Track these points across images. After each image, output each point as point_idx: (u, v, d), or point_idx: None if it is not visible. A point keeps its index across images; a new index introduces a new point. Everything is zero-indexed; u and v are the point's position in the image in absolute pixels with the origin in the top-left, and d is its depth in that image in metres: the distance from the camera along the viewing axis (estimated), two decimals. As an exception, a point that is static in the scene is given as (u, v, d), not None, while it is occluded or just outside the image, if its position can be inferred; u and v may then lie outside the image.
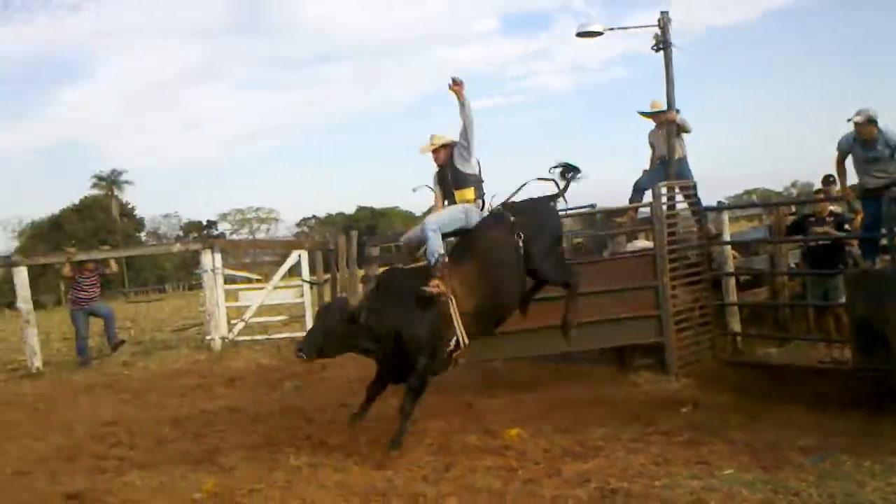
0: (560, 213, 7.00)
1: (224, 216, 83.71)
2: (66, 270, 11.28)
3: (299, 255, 12.05)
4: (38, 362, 10.62)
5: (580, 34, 9.00)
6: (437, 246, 5.66)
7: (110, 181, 70.19)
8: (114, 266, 11.98)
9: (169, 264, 64.28)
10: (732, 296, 8.33)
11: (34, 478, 5.58)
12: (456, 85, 5.78)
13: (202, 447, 6.10)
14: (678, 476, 4.54)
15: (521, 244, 5.93)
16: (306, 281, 12.01)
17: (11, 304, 43.94)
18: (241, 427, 6.68)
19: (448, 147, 6.16)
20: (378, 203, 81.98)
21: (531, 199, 6.50)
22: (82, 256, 11.22)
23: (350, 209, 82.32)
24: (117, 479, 5.40)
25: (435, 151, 6.22)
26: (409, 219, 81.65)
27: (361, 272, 11.89)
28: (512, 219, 6.02)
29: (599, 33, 8.91)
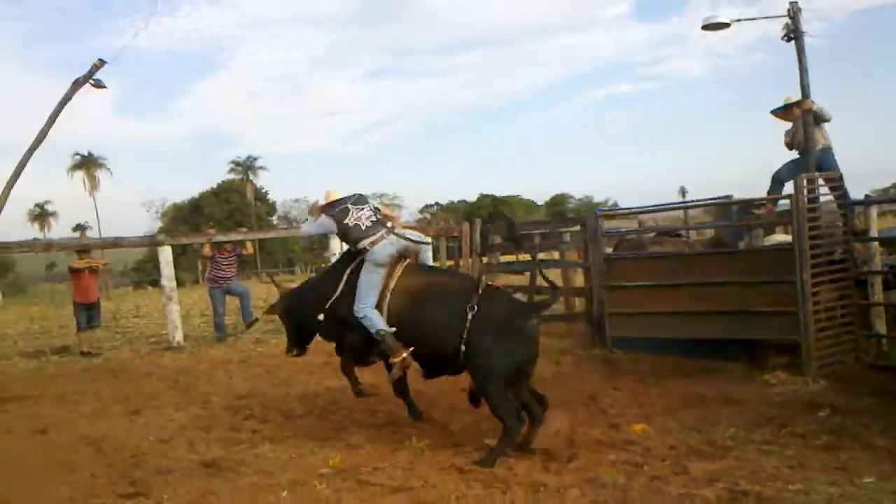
0: (691, 204, 7.03)
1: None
2: (207, 250, 11.90)
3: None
4: (179, 337, 11.26)
5: (706, 27, 8.67)
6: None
7: (246, 167, 73.63)
8: (250, 247, 12.52)
9: (298, 247, 66.82)
10: (878, 295, 7.79)
11: (173, 445, 5.90)
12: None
13: (329, 424, 6.30)
14: (814, 482, 4.28)
15: None
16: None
17: (155, 282, 47.00)
18: (365, 406, 6.82)
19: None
20: (500, 191, 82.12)
21: None
22: (221, 238, 11.79)
23: (472, 196, 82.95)
24: (250, 450, 5.65)
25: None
26: (531, 207, 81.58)
27: (485, 260, 11.93)
28: None
29: (726, 25, 8.56)
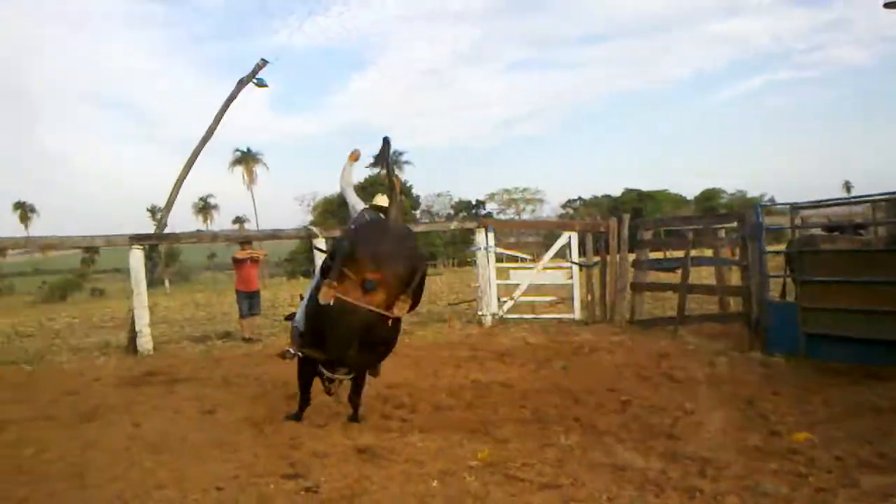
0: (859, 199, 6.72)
1: (492, 196, 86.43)
2: None
3: (570, 237, 12.08)
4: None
5: (888, 4, 8.04)
6: None
7: (392, 161, 75.50)
8: None
9: (440, 241, 67.75)
10: None
11: (328, 430, 6.13)
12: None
13: (476, 417, 6.35)
14: None
15: None
16: (576, 263, 12.03)
17: (307, 273, 49.00)
18: (512, 401, 6.85)
19: None
20: (646, 185, 79.92)
21: None
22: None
23: (616, 191, 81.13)
24: (400, 438, 5.79)
25: None
26: (680, 202, 78.81)
27: (632, 256, 11.66)
28: None
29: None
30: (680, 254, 10.82)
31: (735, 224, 10.44)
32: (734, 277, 11.15)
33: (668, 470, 4.74)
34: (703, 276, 14.69)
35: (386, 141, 7.29)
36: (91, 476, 5.16)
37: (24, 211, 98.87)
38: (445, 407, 6.80)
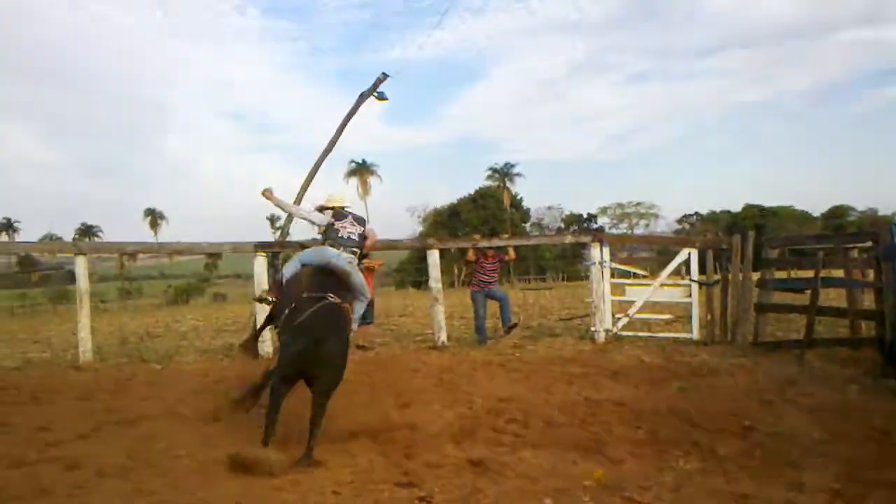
0: None
1: (604, 210, 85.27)
2: (470, 255, 12.38)
3: (689, 253, 11.72)
4: (443, 337, 11.79)
5: None
6: None
7: (503, 173, 75.68)
8: (512, 253, 12.79)
9: (549, 254, 67.21)
10: None
11: (441, 441, 6.17)
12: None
13: (589, 435, 6.24)
14: None
15: None
16: (696, 280, 11.66)
17: (416, 283, 49.68)
18: (626, 421, 6.69)
19: None
20: (768, 200, 76.81)
21: None
22: (485, 244, 12.20)
23: (736, 207, 78.30)
24: (513, 453, 5.76)
25: None
26: (805, 219, 75.26)
27: (756, 275, 11.20)
28: None
29: None
30: (807, 274, 10.32)
31: (868, 244, 9.90)
32: (866, 300, 10.53)
33: (794, 501, 4.53)
34: (831, 297, 13.96)
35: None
36: (214, 473, 5.39)
37: (154, 217, 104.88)
38: (558, 424, 6.70)
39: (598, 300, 11.87)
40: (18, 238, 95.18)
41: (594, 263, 11.97)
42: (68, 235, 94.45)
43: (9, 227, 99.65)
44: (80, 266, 10.90)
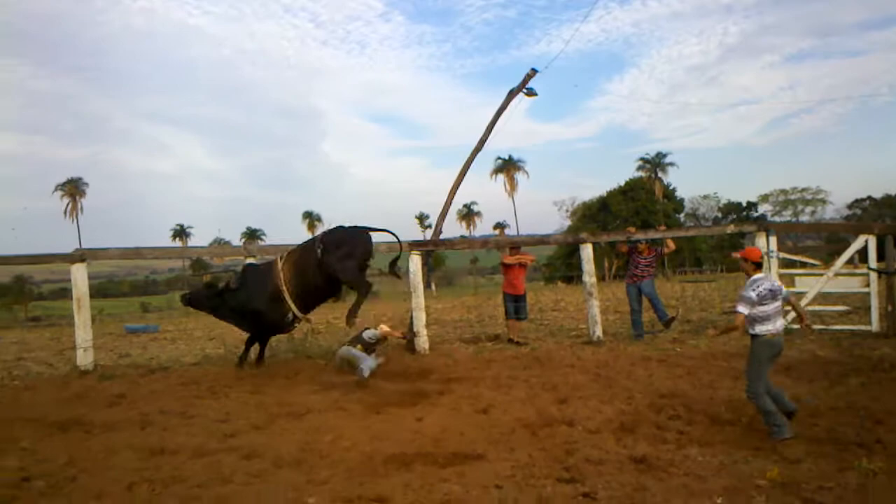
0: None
1: (765, 197, 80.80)
2: (622, 248, 12.08)
3: (866, 240, 10.86)
4: (598, 331, 11.58)
5: None
6: None
7: (654, 163, 73.39)
8: (672, 245, 12.35)
9: (705, 245, 64.56)
10: None
11: (602, 437, 6.07)
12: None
13: (760, 433, 5.92)
14: None
15: (319, 254, 9.58)
16: (875, 269, 10.82)
17: (566, 278, 49.15)
18: (801, 419, 6.28)
19: None
20: (954, 182, 70.32)
21: (343, 228, 9.92)
22: (640, 236, 11.85)
23: (915, 189, 72.11)
24: (678, 451, 5.57)
25: None
26: None
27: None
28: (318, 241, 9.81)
29: None
30: None
31: None
32: None
33: None
34: None
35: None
36: (380, 464, 5.55)
37: (312, 219, 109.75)
38: (725, 421, 6.43)
39: (764, 292, 11.25)
40: (191, 243, 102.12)
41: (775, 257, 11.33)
42: (235, 239, 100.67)
43: (182, 233, 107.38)
44: (250, 267, 11.51)
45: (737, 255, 6.89)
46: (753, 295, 6.14)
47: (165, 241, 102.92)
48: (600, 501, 4.53)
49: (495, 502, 4.62)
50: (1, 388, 10.31)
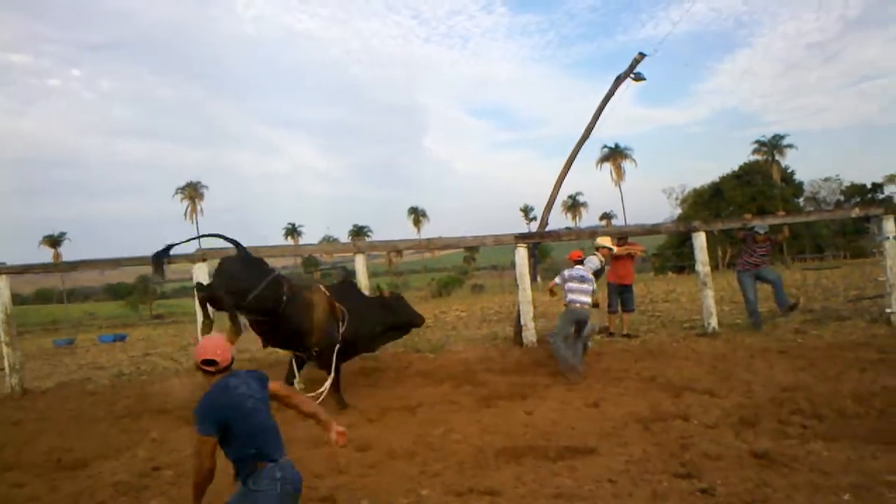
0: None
1: (892, 178, 76.07)
2: (740, 235, 11.66)
3: None
4: (714, 323, 11.22)
5: None
6: None
7: (771, 146, 70.32)
8: (786, 231, 11.86)
9: (827, 231, 61.39)
10: None
11: (720, 432, 5.88)
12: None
13: (891, 427, 5.60)
14: None
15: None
16: None
17: (677, 268, 47.83)
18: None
19: None
20: None
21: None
22: (757, 222, 11.40)
23: None
24: (801, 446, 5.34)
25: None
26: None
27: None
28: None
29: None
30: None
31: None
32: None
33: None
34: None
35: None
36: (491, 457, 5.58)
37: (417, 215, 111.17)
38: (851, 414, 6.10)
39: (893, 278, 10.62)
40: (302, 241, 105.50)
41: (888, 238, 10.70)
42: (343, 236, 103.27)
43: (294, 231, 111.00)
44: (360, 263, 11.80)
45: (568, 258, 10.06)
46: (565, 275, 9.59)
47: (279, 239, 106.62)
48: (719, 497, 4.39)
49: (609, 497, 4.56)
50: (130, 383, 10.97)
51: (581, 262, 9.66)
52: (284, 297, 7.50)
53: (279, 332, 7.78)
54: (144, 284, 76.29)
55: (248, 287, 7.22)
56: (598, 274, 10.02)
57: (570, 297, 9.35)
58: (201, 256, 11.32)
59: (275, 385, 4.06)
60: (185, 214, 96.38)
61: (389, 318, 8.69)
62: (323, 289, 8.20)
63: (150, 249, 8.19)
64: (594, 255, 10.35)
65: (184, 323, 30.06)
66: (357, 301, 8.46)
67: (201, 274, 11.26)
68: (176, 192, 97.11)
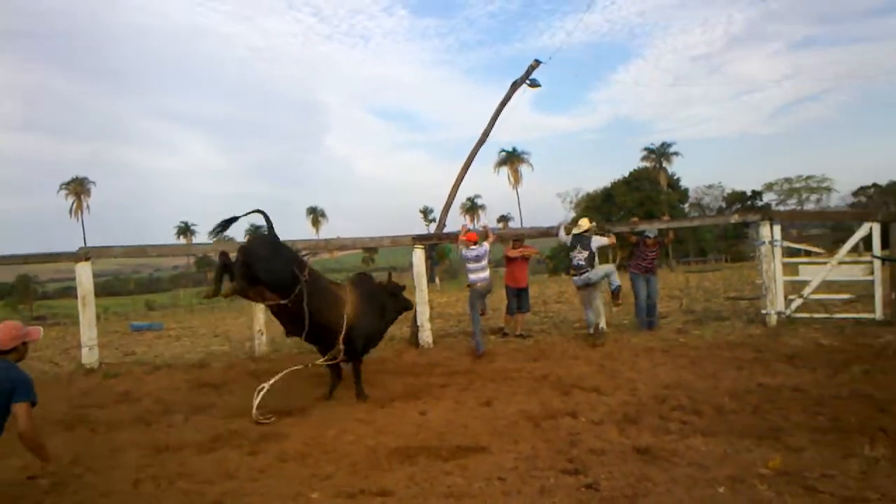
0: None
1: (770, 186, 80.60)
2: (633, 240, 12.08)
3: (870, 228, 10.82)
4: (602, 323, 11.55)
5: None
6: None
7: (659, 153, 73.17)
8: (671, 234, 12.40)
9: (710, 235, 64.41)
10: None
11: (605, 428, 6.06)
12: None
13: (764, 422, 5.93)
14: None
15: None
16: (879, 257, 10.79)
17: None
18: (804, 407, 6.30)
19: None
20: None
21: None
22: (644, 226, 11.83)
23: (921, 175, 71.95)
24: (681, 441, 5.57)
25: None
26: None
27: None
28: None
29: None
30: None
31: None
32: None
33: None
34: None
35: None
36: (384, 458, 5.57)
37: (316, 215, 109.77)
38: (728, 410, 6.41)
39: (768, 281, 11.24)
40: (195, 240, 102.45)
41: (764, 243, 11.33)
42: (239, 236, 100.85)
43: (187, 229, 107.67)
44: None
45: (462, 237, 10.75)
46: (463, 255, 10.56)
47: (170, 238, 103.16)
48: (603, 492, 4.53)
49: (498, 494, 4.63)
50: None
51: (476, 244, 10.45)
52: (302, 280, 7.32)
53: (301, 321, 7.45)
54: (25, 284, 72.38)
55: (265, 256, 7.13)
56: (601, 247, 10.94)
57: (472, 277, 10.40)
58: (85, 255, 10.83)
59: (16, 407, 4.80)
60: (70, 212, 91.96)
61: (398, 305, 8.96)
62: (347, 284, 8.34)
63: (30, 248, 7.78)
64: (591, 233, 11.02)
65: (66, 325, 28.59)
66: (376, 293, 8.59)
67: (84, 273, 10.76)
68: (61, 188, 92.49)
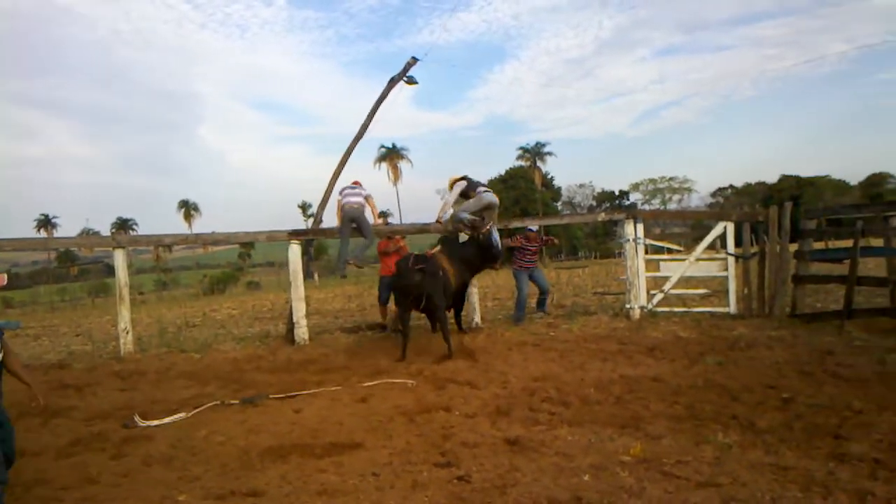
0: None
1: (636, 186, 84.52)
2: (517, 241, 12.39)
3: (725, 227, 11.58)
4: (477, 318, 11.83)
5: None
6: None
7: (534, 153, 75.13)
8: (555, 240, 12.94)
9: (581, 232, 66.83)
10: None
11: (477, 421, 6.20)
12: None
13: (626, 412, 6.21)
14: None
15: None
16: (732, 254, 11.53)
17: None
18: (663, 397, 6.66)
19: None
20: (805, 171, 75.91)
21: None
22: (517, 223, 12.18)
23: (772, 178, 77.31)
24: (549, 431, 5.76)
25: None
26: (842, 188, 73.88)
27: (794, 246, 11.04)
28: None
29: None
30: (845, 244, 10.15)
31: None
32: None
33: (835, 471, 4.48)
34: (870, 267, 13.74)
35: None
36: (255, 458, 5.48)
37: (188, 209, 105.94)
38: (593, 401, 6.68)
39: (632, 277, 11.80)
40: (57, 234, 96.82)
41: (628, 240, 11.89)
42: (105, 229, 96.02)
43: (48, 223, 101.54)
44: (119, 259, 11.09)
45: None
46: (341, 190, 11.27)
47: (29, 231, 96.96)
48: (475, 483, 4.63)
49: (372, 490, 4.65)
50: None
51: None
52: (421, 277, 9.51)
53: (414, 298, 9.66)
54: None
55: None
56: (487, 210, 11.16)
57: (345, 200, 11.39)
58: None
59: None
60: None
61: (485, 254, 10.99)
62: (438, 252, 10.36)
63: None
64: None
65: None
66: (463, 249, 10.96)
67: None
68: None
